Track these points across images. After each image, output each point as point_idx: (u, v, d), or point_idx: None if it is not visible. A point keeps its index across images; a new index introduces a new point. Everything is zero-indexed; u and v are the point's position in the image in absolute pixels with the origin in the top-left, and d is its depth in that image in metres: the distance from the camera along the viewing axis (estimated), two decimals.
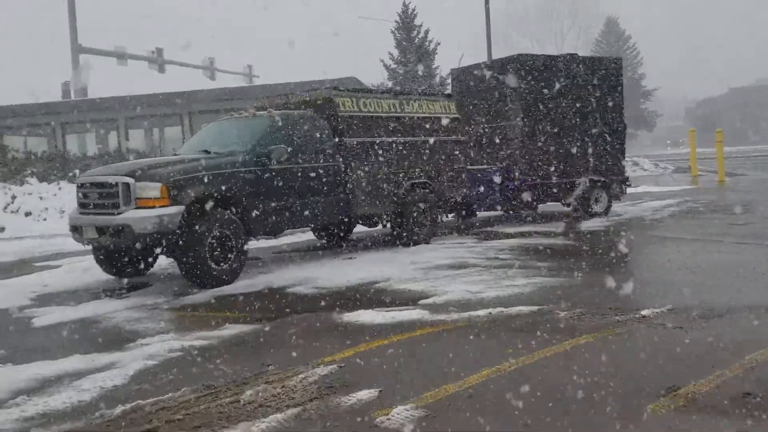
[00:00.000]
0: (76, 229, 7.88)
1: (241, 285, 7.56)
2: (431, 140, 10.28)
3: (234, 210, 7.86)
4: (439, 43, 27.85)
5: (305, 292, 7.07)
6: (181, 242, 7.32)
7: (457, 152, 10.68)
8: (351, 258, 9.16)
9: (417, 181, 10.02)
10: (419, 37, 27.78)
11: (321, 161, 8.87)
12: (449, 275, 7.46)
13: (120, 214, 7.31)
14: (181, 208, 7.30)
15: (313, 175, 8.70)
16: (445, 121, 10.57)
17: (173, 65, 34.67)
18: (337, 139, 9.14)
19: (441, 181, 10.41)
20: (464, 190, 10.81)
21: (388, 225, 10.25)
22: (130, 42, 32.75)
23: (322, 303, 6.48)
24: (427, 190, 10.18)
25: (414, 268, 8.00)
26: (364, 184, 9.33)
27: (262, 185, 8.10)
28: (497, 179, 11.69)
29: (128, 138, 25.87)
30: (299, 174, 8.51)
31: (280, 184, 8.28)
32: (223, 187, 7.70)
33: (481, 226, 12.16)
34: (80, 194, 7.96)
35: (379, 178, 9.53)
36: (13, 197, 16.37)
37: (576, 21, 78.59)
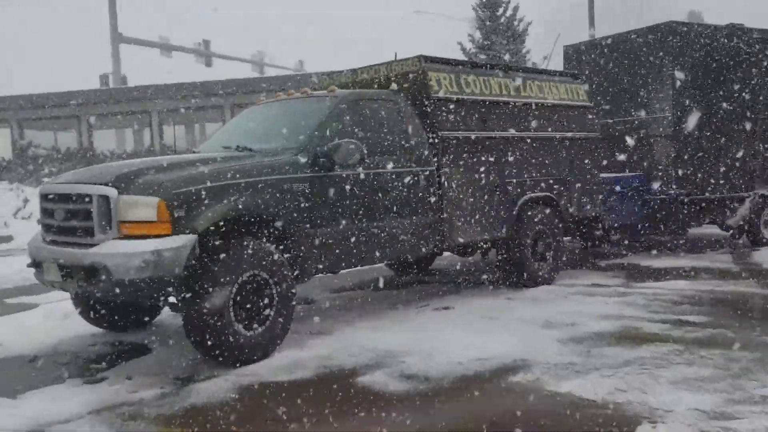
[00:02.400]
0: (36, 265, 5.13)
1: (283, 361, 4.74)
2: (557, 137, 7.26)
3: (276, 240, 5.01)
4: (530, 22, 23.20)
5: (391, 389, 4.13)
6: (191, 292, 4.50)
7: (589, 155, 7.63)
8: (446, 308, 6.21)
9: (537, 194, 7.02)
10: (506, 15, 23.10)
11: (406, 165, 5.94)
12: (631, 361, 4.42)
13: (93, 246, 4.53)
14: (192, 238, 4.47)
15: (394, 185, 5.78)
16: (574, 112, 7.53)
17: (220, 59, 32.48)
18: (429, 133, 6.22)
19: (569, 195, 7.37)
20: (599, 208, 7.74)
21: (490, 254, 7.31)
22: (176, 36, 30.67)
23: (429, 425, 3.55)
24: (550, 208, 7.16)
25: (557, 339, 5.01)
26: (465, 199, 6.37)
27: (321, 201, 5.22)
28: (634, 192, 8.57)
29: (162, 135, 23.13)
30: (375, 184, 5.62)
31: (348, 199, 5.39)
32: (261, 205, 4.86)
33: (610, 257, 9.01)
34: (43, 211, 5.21)
35: (485, 192, 6.57)
36: (26, 200, 13.97)
37: (651, 15, 73.82)
